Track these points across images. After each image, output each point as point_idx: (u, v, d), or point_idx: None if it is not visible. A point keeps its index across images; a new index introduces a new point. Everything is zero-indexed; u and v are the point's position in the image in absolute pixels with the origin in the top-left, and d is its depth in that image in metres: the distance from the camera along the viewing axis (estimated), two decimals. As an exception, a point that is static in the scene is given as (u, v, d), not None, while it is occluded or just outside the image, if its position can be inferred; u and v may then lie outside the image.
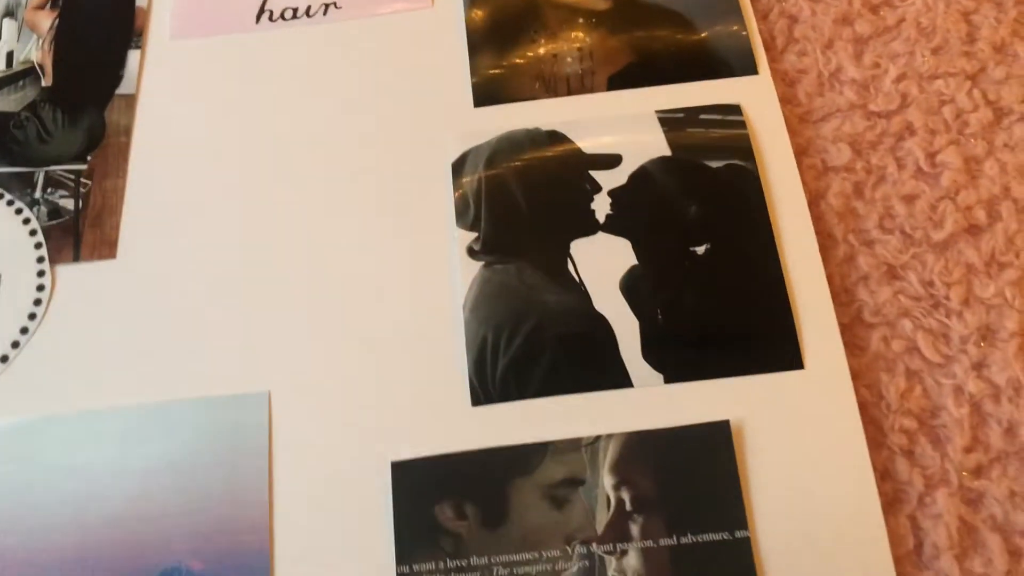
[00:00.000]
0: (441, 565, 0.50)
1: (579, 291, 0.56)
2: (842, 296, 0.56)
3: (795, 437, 0.52)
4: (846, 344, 0.54)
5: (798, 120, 0.62)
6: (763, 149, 0.59)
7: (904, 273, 0.57)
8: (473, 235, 0.58)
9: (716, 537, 0.50)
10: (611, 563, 0.50)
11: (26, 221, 0.61)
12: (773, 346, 0.54)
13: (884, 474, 0.51)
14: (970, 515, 0.50)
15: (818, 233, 0.57)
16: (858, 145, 0.61)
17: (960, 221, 0.57)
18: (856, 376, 0.53)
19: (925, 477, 0.51)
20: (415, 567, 0.50)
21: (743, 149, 0.59)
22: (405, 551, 0.51)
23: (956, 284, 0.56)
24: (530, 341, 0.55)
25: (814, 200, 0.59)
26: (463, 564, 0.50)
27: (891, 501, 0.51)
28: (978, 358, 0.54)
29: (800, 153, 0.60)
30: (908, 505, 0.51)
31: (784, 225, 0.57)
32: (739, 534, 0.50)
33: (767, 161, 0.59)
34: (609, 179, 0.58)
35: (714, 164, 0.58)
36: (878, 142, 0.61)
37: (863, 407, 0.52)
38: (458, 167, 0.60)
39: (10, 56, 0.67)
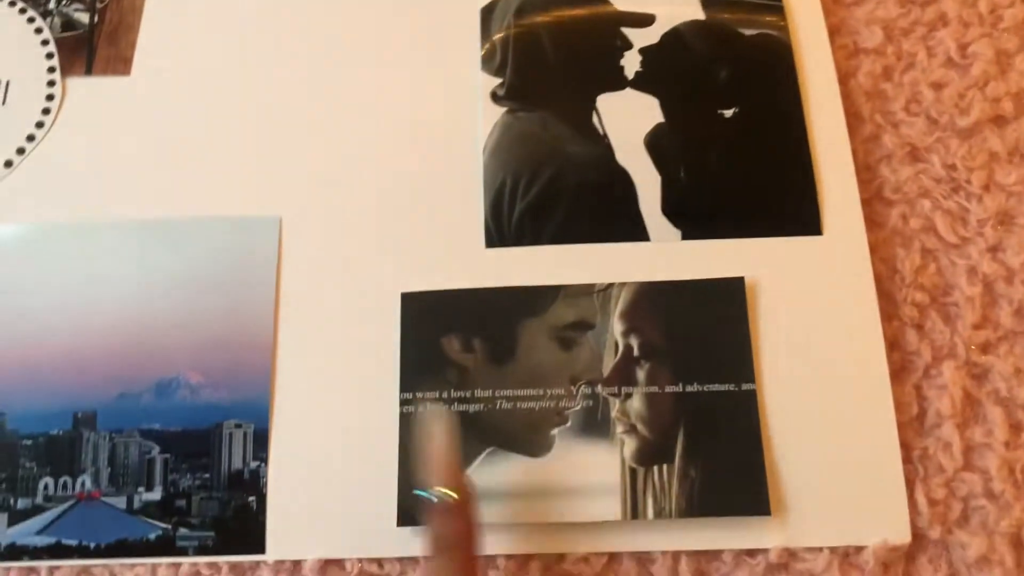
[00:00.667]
0: (445, 395, 0.50)
1: (602, 143, 0.55)
2: (864, 173, 0.55)
3: (809, 300, 0.51)
4: (865, 219, 0.53)
5: (832, 1, 0.61)
6: (796, 21, 0.58)
7: (927, 155, 0.56)
8: (498, 80, 0.57)
9: (722, 388, 0.49)
10: (615, 404, 0.49)
11: (38, 31, 0.59)
12: (793, 210, 0.53)
13: (893, 344, 0.51)
14: (975, 388, 0.51)
15: (845, 111, 0.56)
16: (890, 30, 0.60)
17: (987, 110, 0.57)
18: (872, 250, 0.53)
19: (933, 349, 0.51)
20: (418, 394, 0.50)
21: (777, 19, 0.58)
22: (409, 379, 0.50)
23: (978, 169, 0.55)
24: (549, 188, 0.54)
25: (843, 79, 0.58)
26: (467, 395, 0.50)
27: (898, 370, 0.51)
28: (994, 241, 0.54)
29: (832, 32, 0.59)
30: (914, 375, 0.51)
31: (813, 96, 0.56)
32: (745, 387, 0.49)
33: (800, 33, 0.58)
34: (640, 37, 0.57)
35: (747, 32, 0.58)
36: (910, 29, 0.60)
37: (877, 280, 0.52)
38: (487, 12, 0.59)
39: None
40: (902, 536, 0.47)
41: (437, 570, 0.42)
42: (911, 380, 0.51)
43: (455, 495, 0.41)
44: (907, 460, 0.49)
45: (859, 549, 0.48)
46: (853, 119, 0.57)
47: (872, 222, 0.54)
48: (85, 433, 0.50)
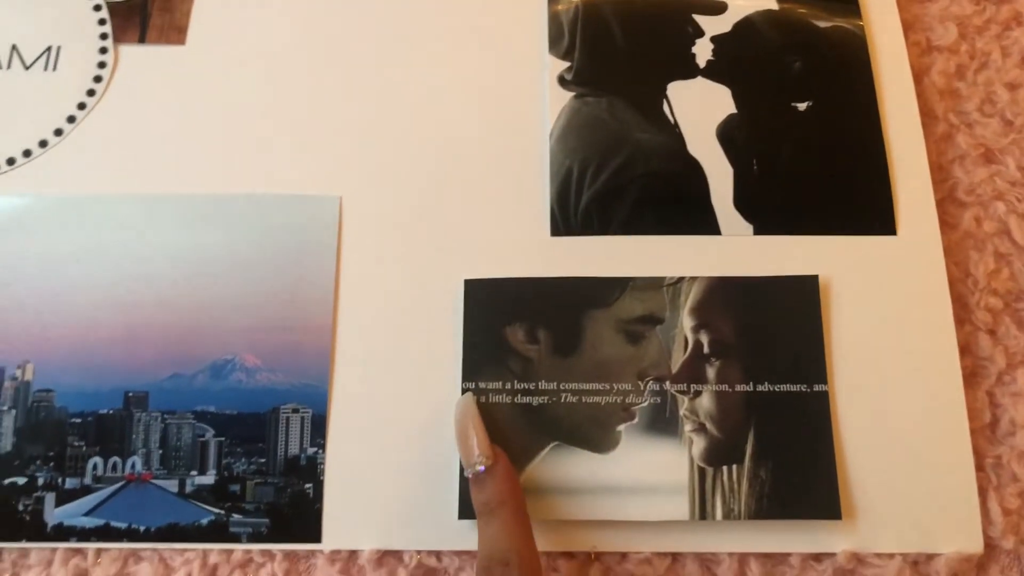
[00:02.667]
0: (508, 386, 0.48)
1: (673, 132, 0.53)
2: (937, 172, 0.54)
3: (882, 301, 0.50)
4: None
5: (905, -4, 0.59)
6: (871, 15, 0.57)
7: (1002, 157, 0.55)
8: (565, 64, 0.55)
9: (794, 388, 0.48)
10: (683, 402, 0.48)
11: (90, -4, 0.57)
12: (867, 209, 0.52)
13: (965, 349, 0.50)
14: (1050, 396, 0.49)
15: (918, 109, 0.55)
16: (964, 28, 0.59)
17: (1063, 113, 0.56)
18: (945, 252, 0.52)
19: (1007, 355, 0.50)
20: (481, 385, 0.48)
21: (851, 11, 0.56)
22: (472, 368, 0.49)
23: (1054, 174, 0.54)
24: (618, 176, 0.52)
25: (916, 76, 0.56)
26: (531, 387, 0.48)
27: (970, 376, 0.50)
28: (1070, 247, 0.52)
29: (905, 29, 0.58)
30: (987, 381, 0.50)
31: (887, 92, 0.55)
32: (817, 388, 0.48)
33: (874, 28, 0.57)
34: (712, 25, 0.56)
35: (821, 24, 0.56)
36: (985, 28, 0.59)
37: (950, 283, 0.51)
38: (555, -6, 0.57)
39: None
40: (974, 545, 0.46)
41: (489, 534, 0.42)
42: (983, 386, 0.50)
43: (487, 461, 0.44)
44: (980, 468, 0.48)
45: (929, 557, 0.47)
46: (926, 118, 0.55)
47: (945, 224, 0.53)
48: (136, 413, 0.49)
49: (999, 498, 0.47)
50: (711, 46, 0.55)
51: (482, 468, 0.44)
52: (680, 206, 0.52)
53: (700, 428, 0.48)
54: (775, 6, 0.56)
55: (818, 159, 0.53)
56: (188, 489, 0.48)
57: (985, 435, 0.49)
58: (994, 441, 0.49)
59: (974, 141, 0.55)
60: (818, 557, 0.47)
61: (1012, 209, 0.54)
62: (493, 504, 0.43)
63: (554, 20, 0.56)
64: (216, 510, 0.47)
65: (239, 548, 0.47)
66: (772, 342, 0.49)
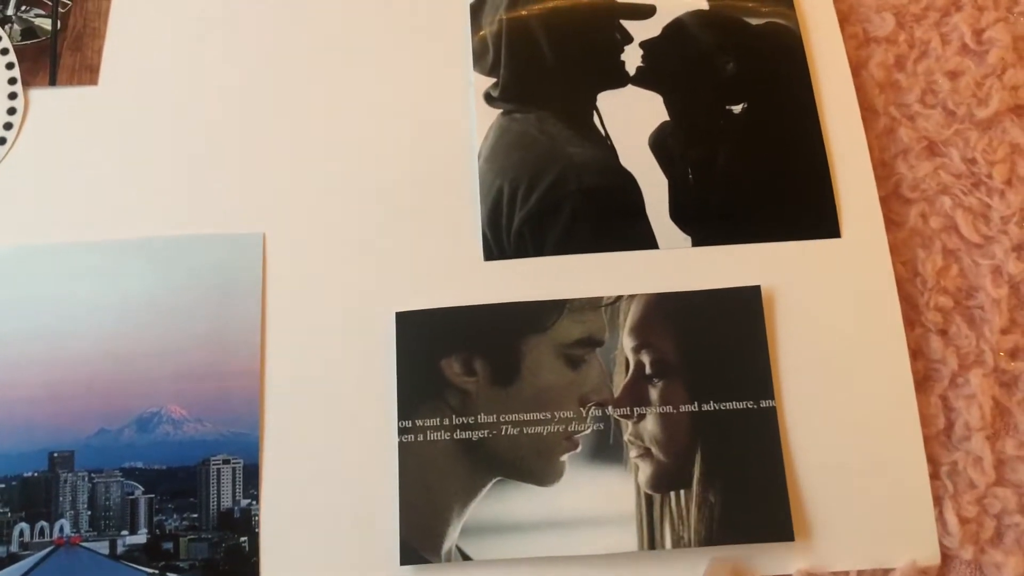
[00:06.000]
0: (446, 421, 0.47)
1: (605, 145, 0.52)
2: (880, 169, 0.53)
3: (828, 308, 0.49)
4: (883, 219, 0.51)
5: (840, -14, 0.58)
6: (805, 9, 0.55)
7: (945, 149, 0.53)
8: (491, 80, 0.53)
9: (740, 406, 0.47)
10: (627, 427, 0.46)
11: (-4, 38, 0.55)
12: (809, 212, 0.50)
13: (916, 352, 0.49)
14: (1005, 397, 0.48)
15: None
16: (902, 17, 0.57)
17: (1006, 99, 0.54)
18: (891, 251, 0.50)
19: (959, 356, 0.49)
20: (418, 422, 0.47)
21: (784, 7, 0.55)
22: (408, 405, 0.47)
23: (999, 163, 0.53)
24: (550, 195, 0.51)
25: (854, 70, 0.55)
26: (470, 421, 0.47)
27: (922, 380, 0.48)
28: (1019, 239, 0.51)
29: (841, 21, 0.56)
30: (940, 384, 0.49)
31: (825, 89, 0.53)
32: (764, 404, 0.47)
33: (809, 22, 0.55)
34: (641, 30, 0.54)
35: (754, 21, 0.54)
36: (923, 16, 0.57)
37: (898, 284, 0.50)
38: (478, 7, 0.55)
39: None
40: (931, 557, 0.45)
41: None
42: (936, 390, 0.48)
43: None
44: (935, 476, 0.47)
45: (887, 572, 0.45)
46: (866, 112, 0.54)
47: (890, 222, 0.51)
48: (62, 474, 0.47)
49: (955, 506, 0.46)
50: (640, 52, 0.54)
51: None
52: (615, 222, 0.50)
53: (645, 453, 0.46)
54: (705, 5, 0.55)
55: (756, 163, 0.51)
56: (120, 550, 0.46)
57: (940, 441, 0.48)
58: (949, 447, 0.47)
59: (916, 134, 0.54)
60: (774, 579, 0.45)
61: (958, 203, 0.52)
62: None
63: (478, 35, 0.54)
64: (150, 570, 0.46)
65: (176, 608, 0.46)
66: (716, 359, 0.47)
